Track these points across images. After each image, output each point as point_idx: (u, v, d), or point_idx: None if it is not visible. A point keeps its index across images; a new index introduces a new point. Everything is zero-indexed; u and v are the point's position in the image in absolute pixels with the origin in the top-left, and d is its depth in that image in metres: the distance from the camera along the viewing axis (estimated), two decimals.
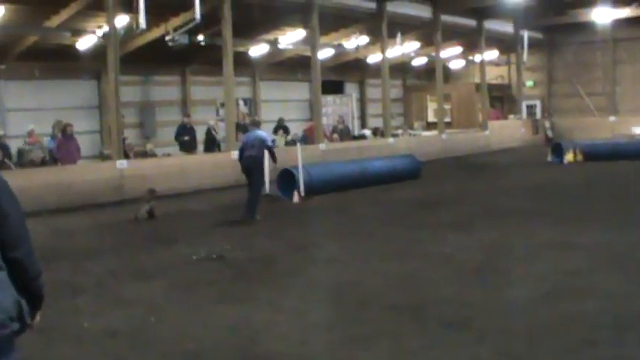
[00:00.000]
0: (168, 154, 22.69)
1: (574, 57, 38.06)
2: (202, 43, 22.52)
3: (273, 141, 17.87)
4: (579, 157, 25.04)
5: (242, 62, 25.01)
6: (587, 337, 6.62)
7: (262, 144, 14.98)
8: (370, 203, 16.82)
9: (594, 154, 25.05)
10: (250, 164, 14.81)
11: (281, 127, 27.07)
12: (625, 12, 31.91)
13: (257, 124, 16.22)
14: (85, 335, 7.25)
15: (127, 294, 8.85)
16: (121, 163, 18.39)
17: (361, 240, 12.19)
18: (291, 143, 24.36)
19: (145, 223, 14.70)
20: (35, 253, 3.55)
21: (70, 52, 21.52)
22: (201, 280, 9.43)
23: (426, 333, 6.95)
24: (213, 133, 23.68)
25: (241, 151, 15.14)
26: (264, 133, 16.09)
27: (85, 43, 21.08)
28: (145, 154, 21.66)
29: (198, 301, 8.39)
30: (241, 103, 28.20)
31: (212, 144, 23.71)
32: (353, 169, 19.91)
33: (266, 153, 15.24)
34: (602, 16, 31.96)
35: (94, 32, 20.43)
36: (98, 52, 20.66)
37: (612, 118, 35.50)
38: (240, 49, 24.77)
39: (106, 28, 19.15)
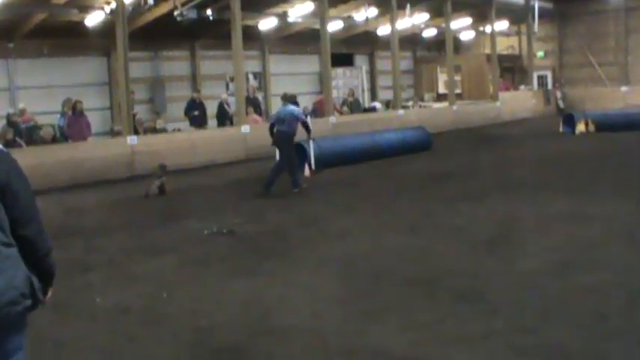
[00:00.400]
0: (179, 130, 22.68)
1: (585, 26, 37.76)
2: (211, 18, 22.44)
3: (307, 115, 17.75)
4: (591, 128, 24.86)
5: (251, 36, 24.95)
6: (599, 309, 6.60)
7: (294, 118, 14.94)
8: (381, 176, 16.79)
9: (606, 125, 24.82)
10: (279, 139, 14.87)
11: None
12: None
13: (289, 98, 15.95)
14: (98, 312, 7.28)
15: (139, 270, 8.87)
16: (132, 140, 18.40)
17: (372, 213, 12.18)
18: None
19: (156, 199, 14.71)
20: (45, 230, 3.57)
21: (78, 28, 21.49)
22: (212, 256, 9.45)
23: (438, 306, 6.94)
24: (226, 107, 23.65)
25: (272, 125, 15.21)
26: (297, 107, 16.03)
27: (93, 20, 21.04)
28: (154, 130, 21.65)
29: (209, 277, 8.41)
30: (251, 77, 28.18)
31: (224, 118, 23.68)
32: (364, 142, 19.86)
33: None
34: None
35: (102, 8, 20.39)
36: (107, 29, 20.64)
37: (624, 89, 35.19)
38: (249, 22, 24.69)
39: (114, 4, 19.12)
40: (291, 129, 14.91)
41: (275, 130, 14.94)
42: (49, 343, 6.30)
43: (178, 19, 21.30)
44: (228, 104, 23.59)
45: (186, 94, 24.58)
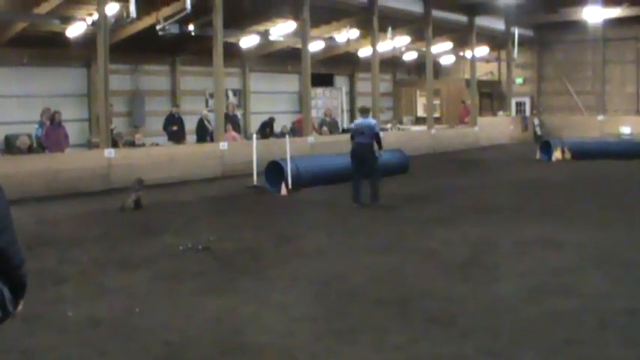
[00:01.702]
0: (157, 144, 22.63)
1: (564, 55, 38.12)
2: (193, 33, 22.47)
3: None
4: (567, 155, 25.14)
5: (232, 53, 24.97)
6: (570, 335, 6.66)
7: (371, 131, 15.32)
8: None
9: (582, 153, 25.14)
10: (362, 152, 15.28)
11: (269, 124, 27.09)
12: (615, 12, 31.96)
13: (366, 111, 16.39)
14: (69, 324, 7.22)
15: (112, 283, 8.82)
16: (109, 152, 18.33)
17: (348, 233, 12.20)
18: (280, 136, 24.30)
19: (132, 212, 14.65)
20: (19, 241, 3.53)
21: (59, 39, 21.39)
22: (186, 271, 9.42)
23: (411, 328, 6.96)
24: (206, 123, 23.60)
25: (351, 136, 15.69)
26: (373, 120, 16.51)
27: (74, 31, 20.96)
28: (132, 144, 21.59)
29: (182, 292, 8.38)
30: (231, 94, 28.19)
31: (204, 134, 23.62)
32: (341, 162, 19.85)
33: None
34: (593, 15, 32.00)
35: (84, 20, 20.32)
36: (88, 40, 20.56)
37: (601, 117, 35.55)
38: (231, 39, 24.73)
39: (96, 16, 19.07)
40: (371, 140, 15.32)
41: (356, 142, 15.35)
42: (17, 355, 6.25)
43: (160, 33, 21.29)
44: (208, 120, 23.54)
45: (165, 109, 24.56)
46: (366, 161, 15.24)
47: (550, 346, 6.41)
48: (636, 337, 6.70)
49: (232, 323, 7.16)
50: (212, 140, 22.59)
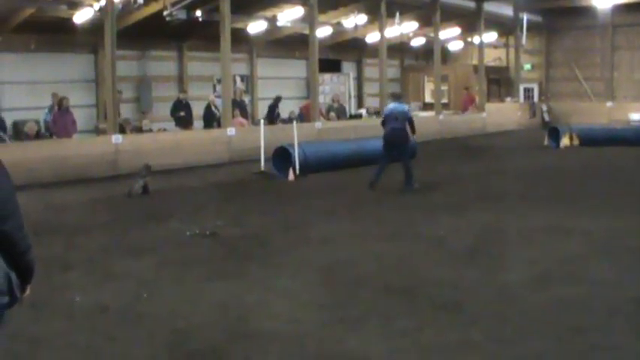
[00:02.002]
0: (164, 130, 22.63)
1: (573, 41, 37.96)
2: (200, 19, 22.42)
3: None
4: (576, 142, 25.05)
5: (239, 39, 24.93)
6: (577, 323, 6.64)
7: (405, 116, 15.53)
8: (365, 183, 16.79)
9: (591, 139, 25.03)
10: (396, 137, 15.40)
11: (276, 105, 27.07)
12: None
13: (398, 97, 16.76)
14: (76, 310, 7.24)
15: (119, 270, 8.84)
16: (117, 138, 18.34)
17: (355, 220, 12.19)
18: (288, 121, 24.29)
19: (139, 198, 14.66)
20: (25, 227, 3.54)
21: (66, 25, 21.40)
22: (193, 257, 9.43)
23: (417, 315, 6.96)
24: (214, 109, 23.59)
25: (383, 123, 15.71)
26: (405, 105, 16.65)
27: (81, 17, 20.96)
28: (140, 130, 21.60)
29: (189, 278, 8.38)
30: (238, 79, 28.17)
31: (212, 120, 23.62)
32: (348, 148, 19.87)
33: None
34: (602, 1, 31.85)
35: (91, 5, 20.31)
36: (95, 26, 20.56)
37: (609, 104, 35.44)
38: (238, 25, 24.68)
39: (103, 2, 19.06)
40: (405, 125, 15.46)
41: (389, 127, 15.42)
42: (25, 341, 6.26)
43: (167, 19, 21.26)
44: (216, 106, 23.53)
45: (173, 95, 24.55)
46: (398, 146, 15.42)
47: (557, 333, 6.39)
48: None
49: (239, 310, 7.16)
50: (219, 126, 22.58)
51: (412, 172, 15.51)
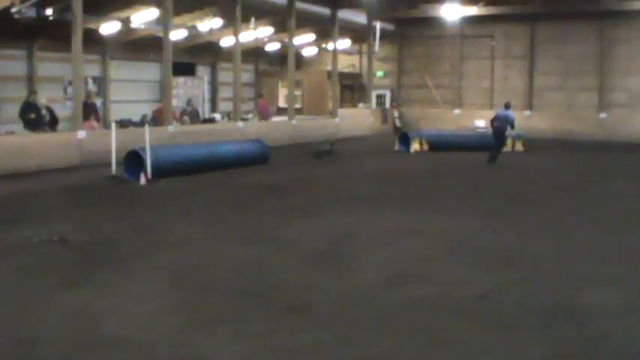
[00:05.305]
0: (12, 132, 21.90)
1: (424, 50, 39.06)
2: (51, 18, 21.81)
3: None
4: (425, 147, 25.90)
5: (92, 39, 24.39)
6: (426, 322, 6.92)
7: (506, 119, 22.27)
8: (218, 187, 16.79)
9: (439, 145, 26.00)
10: (496, 131, 22.37)
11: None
12: (472, 10, 33.02)
13: (508, 105, 22.95)
14: None
15: None
16: None
17: (208, 224, 12.18)
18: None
19: None
20: None
21: None
22: (41, 264, 9.18)
23: (270, 318, 7.04)
24: (44, 111, 22.24)
25: (491, 120, 22.76)
26: (512, 113, 22.78)
27: None
28: None
29: (37, 286, 8.16)
30: (90, 81, 27.58)
31: (35, 122, 22.19)
32: (201, 152, 19.76)
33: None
34: (451, 12, 32.90)
35: None
36: None
37: (457, 111, 36.80)
38: (91, 25, 24.14)
39: None
40: (503, 125, 22.24)
41: (494, 124, 22.44)
42: None
43: (16, 16, 20.57)
44: (50, 109, 22.34)
45: (22, 96, 23.76)
46: (499, 137, 22.39)
47: (406, 332, 6.63)
48: (486, 321, 7.02)
49: (89, 317, 7.04)
50: (41, 127, 21.65)
51: (497, 156, 22.04)
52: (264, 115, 31.80)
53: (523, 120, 30.49)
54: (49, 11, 21.35)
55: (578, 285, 8.41)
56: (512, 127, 22.41)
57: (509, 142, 25.86)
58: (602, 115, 34.27)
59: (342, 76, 36.86)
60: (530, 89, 36.25)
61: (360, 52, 39.65)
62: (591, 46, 34.83)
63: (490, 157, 21.96)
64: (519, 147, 26.24)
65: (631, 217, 13.21)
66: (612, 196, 16.19)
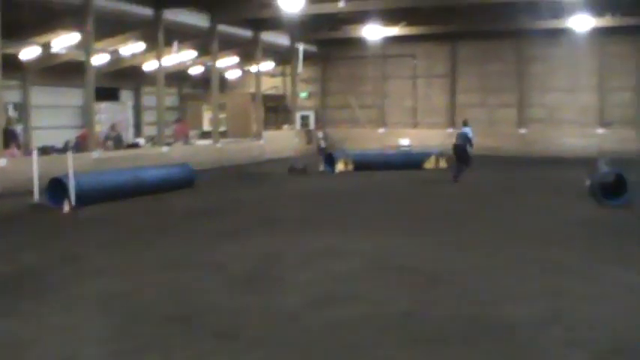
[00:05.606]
0: None
1: (347, 70, 39.51)
2: None
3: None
4: (350, 167, 26.18)
5: (12, 65, 24.04)
6: (352, 340, 7.01)
7: (466, 137, 22.87)
8: (144, 213, 16.68)
9: (364, 164, 26.41)
10: (456, 150, 22.85)
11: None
12: (393, 31, 33.50)
13: (465, 123, 24.24)
14: None
15: None
16: None
17: (134, 251, 12.08)
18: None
19: None
20: None
21: None
22: None
23: (197, 343, 7.03)
24: None
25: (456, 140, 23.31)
26: (469, 130, 23.50)
27: None
28: None
29: None
30: (10, 107, 27.17)
31: None
32: (126, 178, 19.59)
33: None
34: (373, 33, 33.31)
35: None
36: None
37: (381, 130, 37.34)
38: (10, 51, 23.81)
39: None
40: (463, 143, 22.70)
41: (455, 143, 23.04)
42: None
43: None
44: None
45: None
46: (461, 155, 22.70)
47: (335, 352, 6.71)
48: (410, 338, 7.15)
49: (11, 349, 6.94)
50: None
51: (461, 174, 22.50)
52: (180, 139, 31.60)
53: (445, 137, 31.00)
54: None
55: (502, 298, 8.60)
56: (471, 145, 22.97)
57: (432, 159, 26.39)
58: (522, 131, 35.14)
59: (266, 98, 36.99)
60: (453, 107, 36.94)
61: (283, 74, 39.88)
62: (510, 64, 35.78)
63: (453, 176, 22.54)
64: (443, 164, 26.67)
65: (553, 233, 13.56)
66: (534, 211, 16.55)
